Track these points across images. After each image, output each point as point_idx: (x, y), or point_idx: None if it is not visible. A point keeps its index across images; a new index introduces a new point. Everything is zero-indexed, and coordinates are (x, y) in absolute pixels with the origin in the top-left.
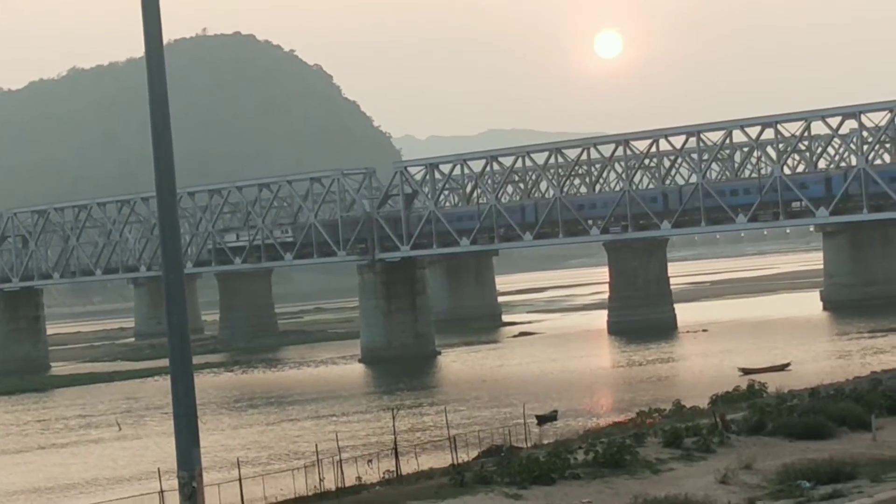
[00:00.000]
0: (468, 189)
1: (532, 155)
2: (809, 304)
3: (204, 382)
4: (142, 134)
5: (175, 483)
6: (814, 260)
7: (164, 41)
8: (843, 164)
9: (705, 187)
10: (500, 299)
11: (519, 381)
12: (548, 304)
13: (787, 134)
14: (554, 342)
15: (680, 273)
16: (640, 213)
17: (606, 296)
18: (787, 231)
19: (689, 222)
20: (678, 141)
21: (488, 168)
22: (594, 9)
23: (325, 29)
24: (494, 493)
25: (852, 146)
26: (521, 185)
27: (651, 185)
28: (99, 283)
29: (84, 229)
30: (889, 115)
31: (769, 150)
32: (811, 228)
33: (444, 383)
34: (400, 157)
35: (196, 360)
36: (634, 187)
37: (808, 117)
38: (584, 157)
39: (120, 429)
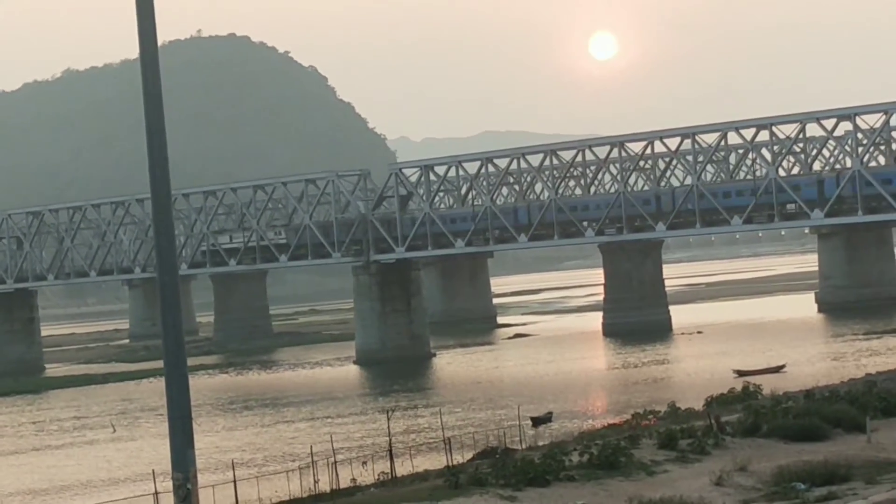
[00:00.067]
0: (463, 191)
1: (527, 157)
2: (804, 305)
3: (198, 384)
4: (136, 135)
5: (170, 485)
6: (809, 262)
7: (159, 42)
8: (838, 165)
9: (699, 189)
10: (496, 301)
11: (514, 382)
12: (543, 305)
13: (782, 136)
14: (549, 344)
15: (675, 275)
16: (634, 215)
17: (601, 297)
18: (783, 233)
19: (683, 224)
20: (673, 143)
21: (483, 170)
22: (589, 10)
23: (320, 30)
24: (489, 494)
25: (847, 148)
26: (517, 187)
27: (646, 187)
28: (93, 285)
29: (79, 230)
30: (884, 117)
31: (764, 152)
32: (806, 230)
33: (439, 385)
34: (395, 159)
35: (191, 361)
36: (629, 189)
37: (803, 119)
38: (579, 158)
39: (115, 430)
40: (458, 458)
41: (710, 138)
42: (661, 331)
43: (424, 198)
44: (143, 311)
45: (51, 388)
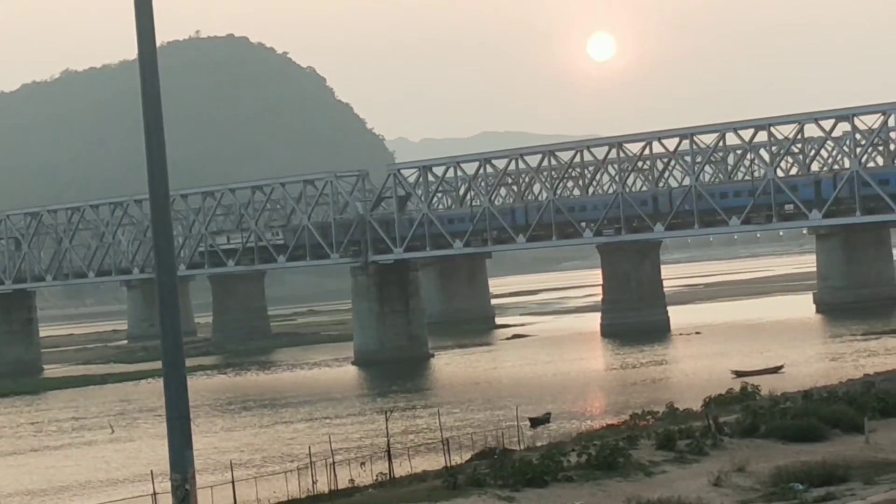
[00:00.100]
0: (461, 191)
1: (525, 157)
2: (802, 306)
3: (197, 385)
4: (135, 136)
5: (168, 485)
6: (807, 262)
7: (158, 43)
8: (836, 166)
9: (697, 189)
10: (494, 301)
11: (512, 383)
12: (541, 306)
13: (780, 136)
14: (547, 344)
15: (673, 275)
16: (633, 216)
17: (599, 298)
18: (781, 234)
19: (682, 225)
20: (671, 143)
21: (481, 170)
22: (587, 11)
23: (319, 31)
24: (487, 495)
25: (845, 149)
26: (515, 188)
27: (644, 188)
28: (92, 286)
29: (77, 231)
30: (882, 117)
31: (762, 152)
32: (804, 231)
33: (438, 386)
34: (393, 160)
35: (189, 362)
36: (628, 190)
37: (801, 120)
38: (578, 159)
39: (113, 431)
40: (457, 458)
41: (708, 139)
42: (659, 331)
43: (423, 198)
44: (141, 312)
45: (49, 388)
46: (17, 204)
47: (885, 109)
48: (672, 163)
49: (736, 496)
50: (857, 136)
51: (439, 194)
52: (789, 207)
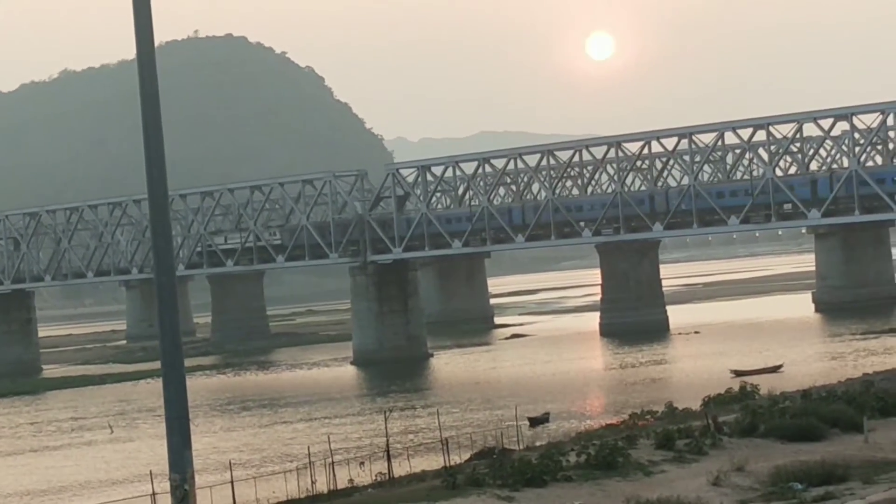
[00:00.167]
0: (460, 191)
1: (524, 157)
2: (801, 305)
3: (196, 385)
4: (133, 136)
5: (167, 485)
6: (806, 262)
7: (156, 43)
8: (835, 165)
9: (696, 188)
10: (493, 301)
11: (511, 383)
12: (540, 305)
13: (778, 136)
14: (546, 344)
15: (672, 275)
16: (631, 215)
17: (598, 298)
18: (780, 233)
19: (680, 224)
20: (670, 143)
21: (480, 170)
22: (586, 11)
23: (317, 31)
24: (486, 495)
25: (844, 148)
26: (514, 188)
27: (643, 188)
28: (91, 286)
29: (76, 231)
30: (881, 116)
31: (761, 151)
32: (803, 230)
33: (437, 385)
34: (392, 159)
35: (188, 362)
36: (626, 189)
37: (799, 119)
38: (577, 158)
39: (112, 431)
40: (456, 458)
41: (707, 138)
42: (658, 331)
43: (421, 198)
44: (140, 312)
45: (48, 389)
46: (15, 204)
47: (883, 109)
48: (671, 162)
49: (735, 496)
50: (856, 135)
51: (438, 194)
52: (788, 207)
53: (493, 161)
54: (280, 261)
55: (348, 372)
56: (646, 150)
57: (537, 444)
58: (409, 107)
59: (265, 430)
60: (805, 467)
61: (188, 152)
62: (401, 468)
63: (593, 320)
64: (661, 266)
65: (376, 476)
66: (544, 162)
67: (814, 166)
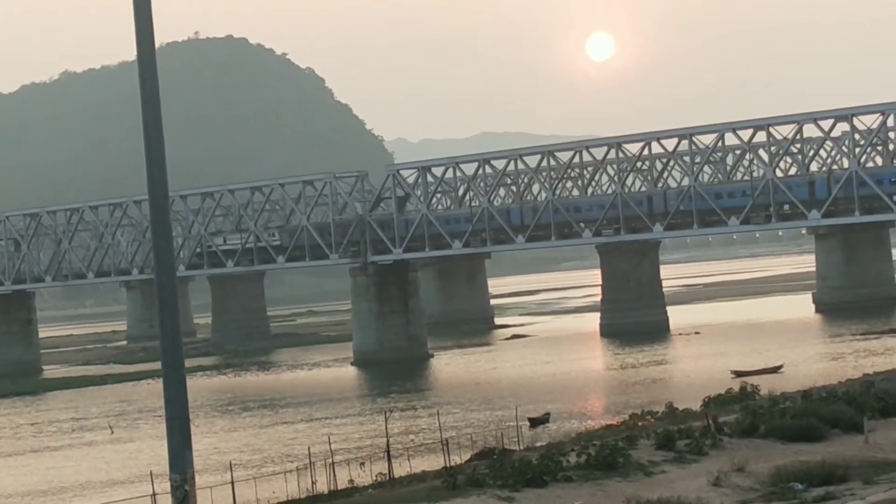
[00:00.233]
0: (460, 192)
1: (524, 158)
2: (802, 306)
3: (196, 385)
4: (134, 137)
5: (167, 486)
6: (806, 262)
7: (157, 44)
8: (835, 166)
9: (696, 190)
10: (493, 302)
11: (511, 383)
12: (540, 306)
13: (779, 137)
14: (546, 345)
15: (672, 275)
16: (631, 216)
17: (599, 298)
18: (780, 234)
19: (681, 225)
20: (670, 144)
21: (480, 171)
22: (586, 11)
23: (318, 32)
24: (487, 495)
25: (844, 149)
26: (514, 189)
27: (643, 188)
28: (91, 287)
29: (76, 232)
30: (881, 117)
31: (761, 152)
32: (803, 231)
33: (437, 386)
34: (392, 160)
35: (188, 363)
36: (626, 190)
37: (800, 120)
38: (577, 160)
39: (112, 432)
40: (456, 458)
41: (707, 139)
42: (658, 331)
43: (422, 199)
44: (140, 313)
45: (49, 389)
46: (16, 205)
47: (883, 109)
48: (671, 163)
49: (735, 496)
50: (856, 136)
51: (438, 195)
52: (786, 208)
53: (493, 162)
54: (280, 261)
55: (349, 372)
56: (646, 151)
57: (538, 444)
58: (410, 108)
59: (266, 431)
60: (805, 468)
61: (189, 153)
62: (401, 468)
63: (594, 321)
64: (662, 267)
65: (377, 476)
66: (544, 163)
67: (814, 167)
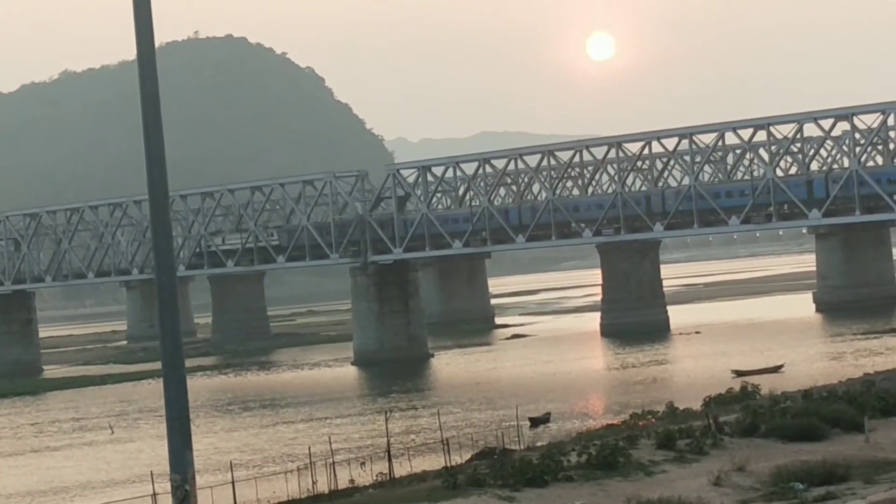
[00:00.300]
0: (460, 191)
1: (524, 157)
2: (802, 305)
3: (196, 385)
4: (134, 137)
5: (168, 486)
6: (806, 262)
7: (156, 44)
8: (835, 166)
9: (697, 189)
10: (493, 301)
11: (512, 383)
12: (540, 306)
13: (779, 136)
14: (547, 344)
15: (673, 275)
16: (632, 216)
17: (599, 298)
18: (780, 233)
19: (681, 224)
20: (671, 143)
21: (481, 170)
22: (586, 11)
23: (318, 31)
24: (487, 495)
25: (845, 148)
26: (514, 188)
27: (644, 188)
28: (91, 286)
29: (76, 232)
30: (882, 116)
31: (761, 152)
32: (804, 231)
33: (437, 386)
34: (392, 160)
35: (189, 362)
36: (627, 190)
37: (800, 119)
38: (577, 159)
39: (113, 432)
40: (457, 458)
41: (707, 138)
42: (659, 331)
43: (422, 199)
44: (140, 313)
45: (49, 389)
46: (15, 205)
47: (884, 109)
48: (671, 162)
49: (736, 496)
50: (857, 135)
51: (438, 194)
52: (787, 207)
53: (493, 161)
54: (281, 261)
55: (349, 372)
56: (646, 151)
57: (538, 444)
58: (410, 107)
59: (266, 431)
60: (806, 467)
61: (188, 153)
62: (402, 468)
63: (594, 320)
64: (662, 266)
65: (377, 476)
66: (545, 162)
67: (814, 166)
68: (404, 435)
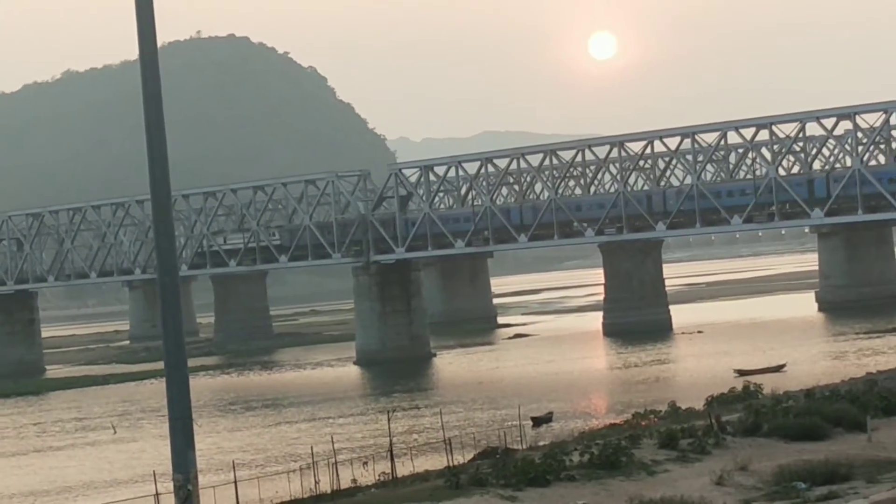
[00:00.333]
0: (463, 191)
1: (527, 157)
2: (805, 305)
3: (199, 385)
4: (136, 136)
5: (170, 486)
6: (809, 261)
7: (159, 43)
8: (838, 165)
9: (699, 188)
10: (496, 301)
11: (514, 382)
12: (543, 305)
13: (781, 135)
14: (549, 344)
15: (675, 274)
16: (634, 215)
17: (601, 297)
18: (783, 232)
19: (683, 224)
20: (673, 142)
21: (483, 170)
22: (588, 10)
23: (320, 31)
24: (490, 495)
25: (847, 147)
26: (516, 187)
27: (646, 187)
28: (94, 286)
29: (79, 232)
30: (884, 115)
31: (764, 151)
32: (806, 230)
33: (440, 385)
34: (394, 159)
35: (191, 362)
36: (629, 189)
37: (802, 118)
38: (579, 158)
39: (115, 432)
40: (459, 458)
41: (709, 138)
42: (661, 330)
43: (424, 198)
44: (143, 313)
45: (51, 389)
46: (18, 204)
47: (886, 108)
48: (673, 162)
49: (738, 495)
50: (859, 134)
51: (441, 194)
52: (789, 206)
53: (495, 161)
54: (283, 261)
55: (351, 372)
56: (648, 150)
57: (540, 443)
58: (412, 107)
59: (269, 430)
60: (808, 466)
61: (191, 152)
62: (404, 468)
63: (596, 320)
64: (664, 266)
65: (380, 476)
66: (547, 162)
67: (817, 166)
68: (407, 434)
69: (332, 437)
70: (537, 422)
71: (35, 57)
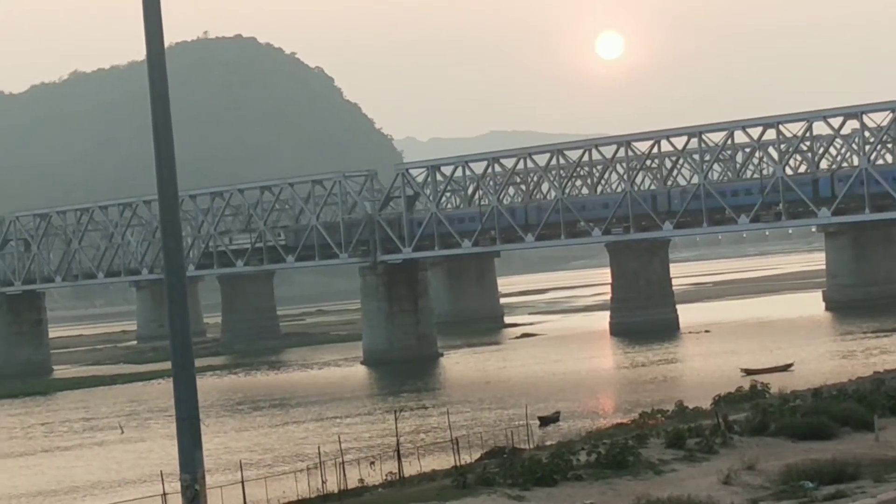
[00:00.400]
0: (470, 191)
1: (533, 156)
2: (812, 304)
3: (206, 385)
4: (143, 137)
5: (178, 486)
6: (816, 260)
7: (166, 44)
8: (844, 164)
9: (706, 188)
10: (502, 301)
11: (521, 382)
12: (550, 305)
13: (788, 134)
14: (556, 343)
15: (682, 274)
16: (641, 215)
17: (608, 297)
18: (790, 232)
19: (690, 223)
20: (680, 142)
21: (490, 170)
22: (595, 10)
23: (327, 31)
24: (497, 494)
25: (854, 146)
26: (523, 187)
27: (653, 187)
28: (101, 287)
29: (86, 232)
30: (891, 115)
31: (771, 150)
32: (813, 229)
33: (447, 385)
34: (401, 159)
35: (198, 362)
36: (636, 189)
37: (809, 118)
38: (586, 158)
39: (123, 432)
40: (466, 457)
41: (716, 137)
42: (668, 330)
43: (431, 198)
44: (150, 313)
45: (59, 389)
46: (25, 205)
47: (893, 107)
48: (680, 161)
49: (746, 494)
50: (866, 133)
51: (448, 194)
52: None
53: (502, 161)
54: (290, 261)
55: (358, 372)
56: (655, 150)
57: (548, 443)
58: (419, 107)
59: (276, 430)
60: (816, 466)
61: (198, 153)
62: (411, 468)
63: (603, 319)
64: (671, 265)
65: (387, 476)
66: (554, 161)
67: (824, 165)
68: (414, 434)
69: (339, 437)
70: (544, 421)
71: (42, 58)
